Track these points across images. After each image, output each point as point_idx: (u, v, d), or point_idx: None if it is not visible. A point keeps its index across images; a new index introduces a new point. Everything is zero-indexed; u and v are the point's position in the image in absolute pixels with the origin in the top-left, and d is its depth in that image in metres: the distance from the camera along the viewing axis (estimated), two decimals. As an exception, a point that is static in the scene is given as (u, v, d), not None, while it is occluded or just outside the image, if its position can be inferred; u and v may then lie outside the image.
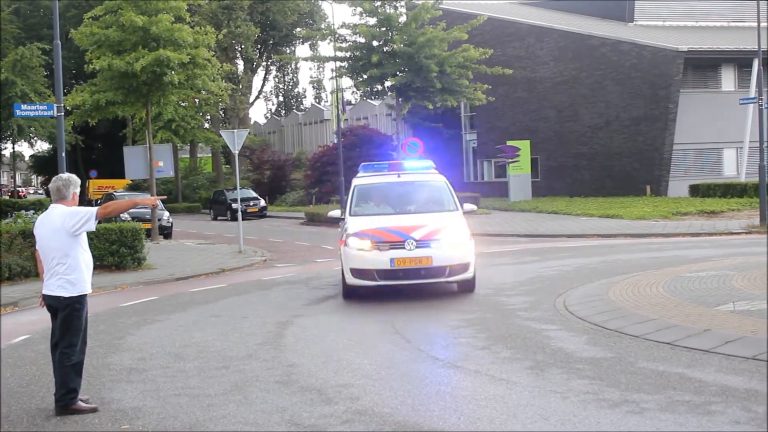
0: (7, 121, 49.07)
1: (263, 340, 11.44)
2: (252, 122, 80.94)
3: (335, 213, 17.62)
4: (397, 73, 38.00)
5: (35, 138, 59.71)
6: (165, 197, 10.31)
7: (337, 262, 17.20)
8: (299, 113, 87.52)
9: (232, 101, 55.91)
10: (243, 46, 63.64)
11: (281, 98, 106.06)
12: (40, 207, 39.12)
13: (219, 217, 48.00)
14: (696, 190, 38.58)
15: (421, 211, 15.34)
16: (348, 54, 39.43)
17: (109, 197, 38.33)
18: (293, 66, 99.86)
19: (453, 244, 14.14)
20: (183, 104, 48.29)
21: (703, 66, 42.09)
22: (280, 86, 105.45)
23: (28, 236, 18.63)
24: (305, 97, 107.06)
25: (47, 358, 8.57)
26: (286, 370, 9.52)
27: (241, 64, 66.86)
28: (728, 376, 8.33)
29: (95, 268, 8.84)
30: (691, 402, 7.51)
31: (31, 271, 18.67)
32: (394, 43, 37.76)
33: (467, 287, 14.73)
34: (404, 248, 13.92)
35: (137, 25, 28.00)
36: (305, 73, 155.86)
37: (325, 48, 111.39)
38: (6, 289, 17.43)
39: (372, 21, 38.99)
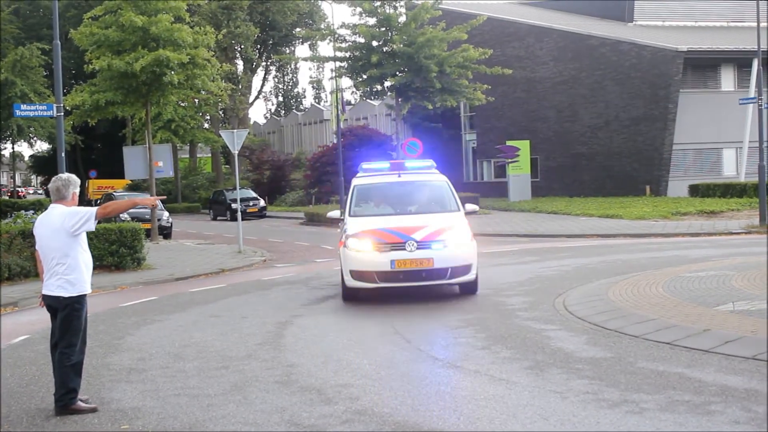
0: (7, 121, 49.08)
1: (263, 340, 11.44)
2: (251, 122, 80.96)
3: (334, 214, 17.25)
4: (397, 73, 38.00)
5: (35, 138, 59.74)
6: (164, 197, 10.31)
7: (336, 262, 17.14)
8: (299, 113, 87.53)
9: (231, 101, 55.90)
10: (242, 46, 63.63)
11: (281, 98, 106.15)
12: (39, 207, 39.09)
13: (218, 217, 48.00)
14: (695, 190, 38.60)
15: (422, 211, 15.09)
16: (347, 54, 39.43)
17: (109, 197, 38.33)
18: (293, 66, 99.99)
19: (455, 245, 13.90)
20: (182, 104, 48.29)
21: (703, 66, 42.10)
22: (280, 86, 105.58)
23: (27, 236, 18.63)
24: (305, 97, 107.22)
25: (47, 358, 8.58)
26: (285, 370, 9.52)
27: (240, 65, 66.87)
28: (728, 376, 8.33)
29: (95, 268, 8.83)
30: (690, 402, 7.51)
31: (31, 271, 18.67)
32: (393, 43, 37.76)
33: (469, 289, 14.50)
34: (405, 249, 13.68)
35: (137, 26, 28.00)
36: (305, 73, 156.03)
37: (325, 48, 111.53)
38: (6, 289, 17.42)
39: (371, 21, 38.99)
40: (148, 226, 28.77)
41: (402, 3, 41.38)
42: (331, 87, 51.88)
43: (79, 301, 8.18)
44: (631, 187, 41.84)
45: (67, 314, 8.12)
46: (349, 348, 10.71)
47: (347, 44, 39.21)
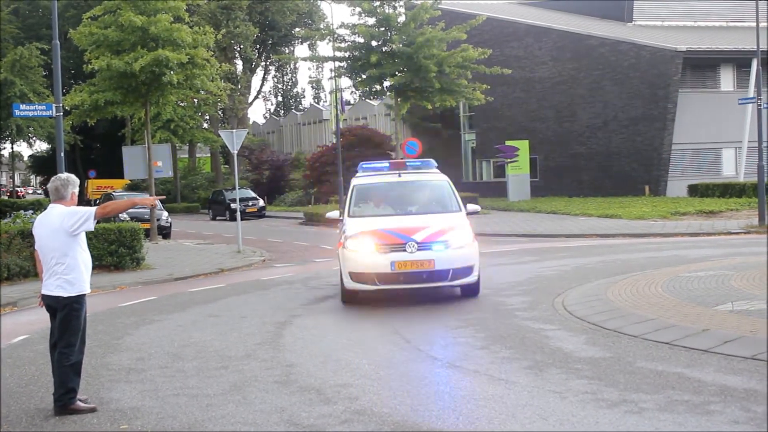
0: (6, 121, 49.09)
1: (262, 340, 11.43)
2: (251, 122, 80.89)
3: (333, 214, 16.71)
4: (396, 73, 37.95)
5: (34, 138, 59.79)
6: (164, 197, 10.31)
7: (335, 261, 17.05)
8: (298, 113, 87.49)
9: (230, 101, 55.90)
10: (242, 46, 63.62)
11: (280, 98, 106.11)
12: (38, 207, 39.06)
13: (218, 217, 48.00)
14: (695, 190, 38.61)
15: (422, 212, 14.81)
16: (347, 54, 39.38)
17: (108, 197, 38.32)
18: (292, 66, 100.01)
19: (456, 246, 13.64)
20: (182, 104, 48.29)
21: (702, 66, 42.11)
22: (279, 86, 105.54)
23: (26, 236, 18.62)
24: (304, 97, 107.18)
25: (46, 358, 8.58)
26: (284, 370, 9.52)
27: (239, 64, 66.85)
28: (727, 375, 8.33)
29: (94, 268, 8.83)
30: (689, 402, 7.51)
31: (30, 271, 18.67)
32: (392, 43, 37.72)
33: (471, 291, 14.23)
34: (405, 251, 13.42)
35: (136, 25, 28.01)
36: (304, 73, 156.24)
37: (324, 48, 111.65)
38: (5, 289, 17.42)
39: (371, 21, 38.94)
40: (147, 226, 28.77)
41: (401, 3, 41.34)
42: (330, 87, 51.90)
43: (78, 300, 8.18)
44: (630, 187, 41.86)
45: (66, 314, 8.12)
46: (348, 348, 10.71)
47: (346, 44, 39.17)
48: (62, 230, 8.07)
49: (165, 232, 32.60)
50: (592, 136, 45.30)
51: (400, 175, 15.62)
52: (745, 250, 19.50)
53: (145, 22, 28.15)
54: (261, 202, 47.93)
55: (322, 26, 61.59)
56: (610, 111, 44.06)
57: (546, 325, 11.54)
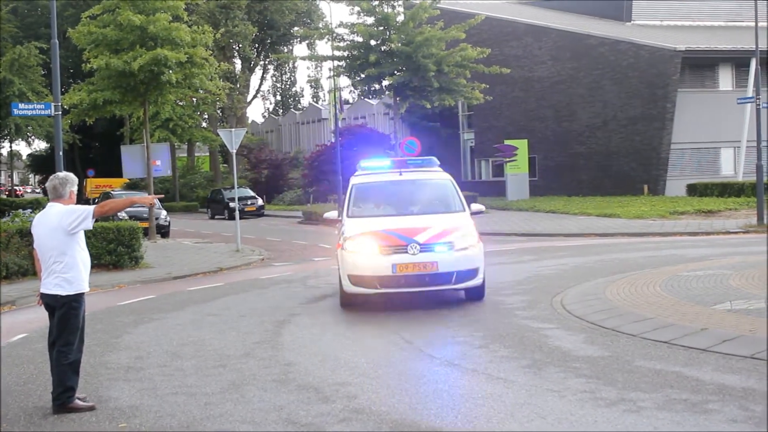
0: (5, 120, 49.06)
1: (260, 338, 11.44)
2: (249, 121, 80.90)
3: (331, 214, 15.90)
4: (395, 72, 37.99)
5: (33, 137, 59.76)
6: (162, 196, 10.31)
7: (334, 260, 16.91)
8: (297, 112, 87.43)
9: (229, 100, 55.89)
10: (240, 45, 63.63)
11: (279, 97, 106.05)
12: (37, 206, 39.05)
13: (216, 216, 47.98)
14: (693, 190, 38.63)
15: (424, 212, 14.24)
16: (345, 53, 39.40)
17: (107, 196, 38.29)
18: (291, 65, 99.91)
19: (460, 247, 13.06)
20: (180, 103, 48.31)
21: (701, 65, 42.12)
22: (278, 85, 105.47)
23: (25, 235, 18.61)
24: (303, 96, 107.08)
25: (45, 356, 8.57)
26: (283, 369, 9.52)
27: (238, 63, 66.85)
28: (725, 374, 8.33)
29: (93, 266, 8.83)
30: (688, 401, 7.51)
31: (29, 269, 18.66)
32: (391, 42, 37.74)
33: (476, 295, 13.67)
34: (407, 253, 12.82)
35: (135, 24, 28.00)
36: (303, 72, 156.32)
37: (323, 47, 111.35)
38: (4, 287, 17.41)
39: (370, 20, 38.98)
40: (145, 224, 28.73)
41: (400, 2, 41.42)
42: (329, 86, 51.86)
43: (77, 299, 8.18)
44: (629, 187, 41.87)
45: (65, 312, 8.12)
46: (346, 346, 10.71)
47: (345, 43, 39.20)
48: (61, 229, 8.07)
49: (164, 231, 32.59)
50: (591, 136, 45.31)
51: (401, 174, 15.07)
52: (743, 250, 19.51)
53: (144, 21, 28.14)
54: (260, 201, 47.91)
55: (320, 25, 61.63)
56: (609, 110, 44.08)
57: (545, 324, 11.54)
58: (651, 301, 12.17)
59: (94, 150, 75.82)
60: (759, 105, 27.16)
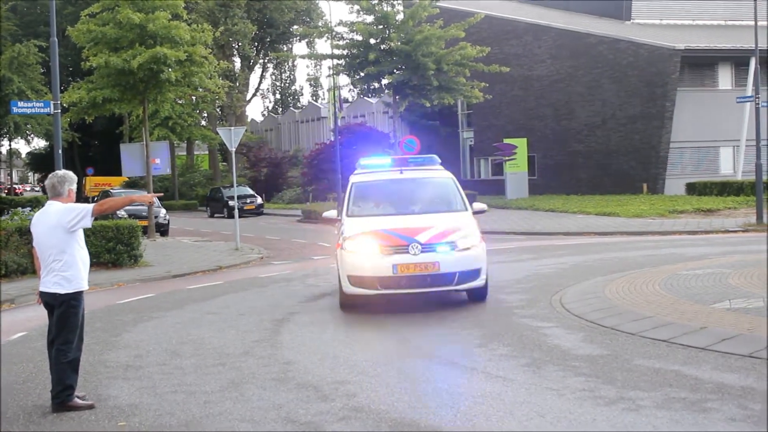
0: (4, 119, 48.99)
1: (260, 337, 11.44)
2: (249, 120, 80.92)
3: (331, 214, 15.25)
4: (394, 70, 38.00)
5: (32, 135, 59.58)
6: (162, 194, 10.31)
7: (333, 259, 16.80)
8: (296, 111, 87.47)
9: (229, 99, 55.91)
10: (240, 44, 63.64)
11: (278, 96, 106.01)
12: (36, 204, 39.06)
13: (216, 215, 47.98)
14: (693, 188, 38.62)
15: (426, 211, 13.92)
16: (345, 52, 39.43)
17: (106, 195, 38.30)
18: (290, 63, 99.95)
19: (462, 247, 12.77)
20: (180, 102, 48.29)
21: (700, 64, 42.12)
22: (277, 84, 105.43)
23: (24, 233, 18.60)
24: (302, 94, 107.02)
25: (44, 355, 8.57)
26: (282, 367, 9.52)
27: (238, 62, 66.85)
28: (724, 373, 8.33)
29: (92, 265, 8.83)
30: (687, 399, 7.52)
31: (28, 268, 18.66)
32: (391, 40, 37.77)
33: (478, 296, 13.41)
34: (408, 253, 12.53)
35: (134, 23, 28.00)
36: (302, 70, 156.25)
37: (322, 46, 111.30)
38: (3, 286, 17.41)
39: (369, 19, 39.01)
40: (145, 223, 28.73)
41: (399, 1, 41.47)
42: (328, 84, 51.92)
43: (76, 297, 8.18)
44: (628, 185, 41.87)
45: (64, 311, 8.12)
46: (345, 345, 10.71)
47: (345, 42, 39.22)
48: (60, 227, 8.07)
49: (163, 230, 32.59)
50: (591, 134, 45.31)
51: (401, 172, 14.75)
52: (742, 249, 19.52)
53: (143, 19, 28.14)
54: (259, 200, 47.92)
55: (320, 24, 61.64)
56: (608, 109, 44.07)
57: (544, 322, 11.54)
58: (650, 300, 12.17)
59: (93, 148, 75.79)
60: (758, 104, 27.16)
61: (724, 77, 42.91)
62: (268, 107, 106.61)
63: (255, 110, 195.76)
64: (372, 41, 38.38)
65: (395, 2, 41.39)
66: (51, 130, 32.34)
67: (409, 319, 12.31)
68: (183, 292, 16.73)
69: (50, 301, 8.19)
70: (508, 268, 17.98)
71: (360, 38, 38.55)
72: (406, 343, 10.74)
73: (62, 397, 8.03)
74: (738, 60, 41.50)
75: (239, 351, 10.53)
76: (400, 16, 38.84)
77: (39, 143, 77.73)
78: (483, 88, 38.93)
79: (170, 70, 28.62)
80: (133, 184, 52.53)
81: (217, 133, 39.10)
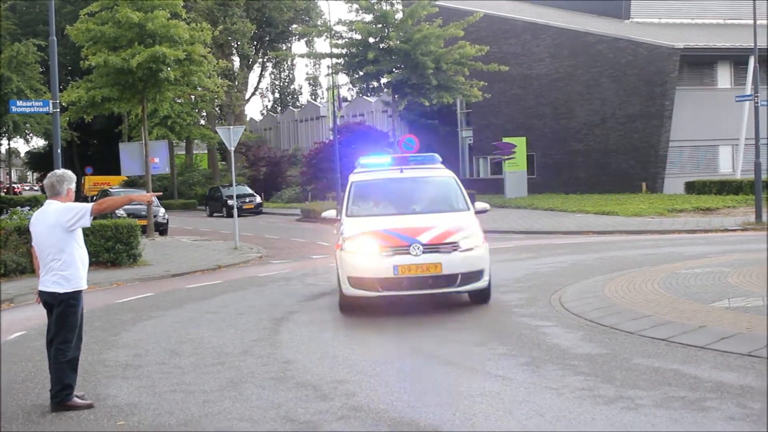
0: (3, 118, 48.99)
1: (259, 336, 11.44)
2: (248, 119, 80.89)
3: (330, 213, 14.78)
4: (393, 69, 38.01)
5: (31, 134, 59.61)
6: (161, 194, 10.30)
7: (332, 259, 16.61)
8: (295, 110, 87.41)
9: (228, 98, 55.87)
10: (239, 43, 63.60)
11: (277, 95, 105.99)
12: (35, 203, 39.07)
13: (215, 214, 47.96)
14: (692, 187, 38.63)
15: (427, 211, 13.66)
16: (344, 51, 39.44)
17: (105, 194, 38.29)
18: (289, 62, 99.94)
19: (465, 248, 12.47)
20: (179, 101, 48.26)
21: (699, 63, 42.13)
22: (276, 83, 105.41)
23: (23, 233, 18.60)
24: (301, 93, 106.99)
25: (43, 354, 8.57)
26: (281, 367, 9.52)
27: (237, 61, 66.82)
28: (723, 372, 8.34)
29: (91, 264, 8.84)
30: (686, 398, 7.52)
31: (27, 267, 18.64)
32: (390, 39, 37.78)
33: (481, 298, 13.12)
34: (409, 254, 12.23)
35: (133, 22, 27.99)
36: (301, 69, 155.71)
37: (322, 45, 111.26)
38: (2, 285, 17.40)
39: (368, 18, 39.04)
40: (144, 222, 28.67)
41: (398, 0, 41.42)
42: (327, 83, 51.91)
43: (75, 297, 8.18)
44: (627, 184, 41.87)
45: (63, 310, 8.12)
46: (344, 344, 10.71)
47: (344, 41, 39.23)
48: (58, 226, 8.07)
49: (162, 229, 32.57)
50: (590, 133, 45.31)
51: (402, 171, 14.42)
52: (741, 247, 19.52)
53: (142, 18, 28.13)
54: (258, 199, 47.92)
55: (319, 23, 61.63)
56: (607, 108, 44.08)
57: (543, 321, 11.54)
58: (649, 299, 12.18)
59: (92, 147, 75.78)
60: (757, 103, 27.16)
61: (723, 76, 42.93)
62: (267, 106, 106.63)
63: (254, 109, 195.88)
64: (371, 40, 38.39)
65: (394, 1, 41.51)
66: (50, 129, 32.35)
67: (408, 318, 12.30)
68: (182, 292, 16.73)
69: (49, 300, 8.19)
70: (507, 266, 17.97)
71: (359, 37, 38.57)
72: (405, 342, 10.73)
73: (61, 397, 8.03)
74: (737, 59, 41.52)
75: (238, 350, 10.53)
76: (399, 15, 38.88)
77: (38, 142, 77.79)
78: (482, 87, 38.94)
79: (169, 69, 28.60)
80: (132, 183, 52.53)
81: (216, 132, 39.09)
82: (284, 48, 71.17)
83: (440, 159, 15.09)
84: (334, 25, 39.45)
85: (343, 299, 12.97)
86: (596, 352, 9.49)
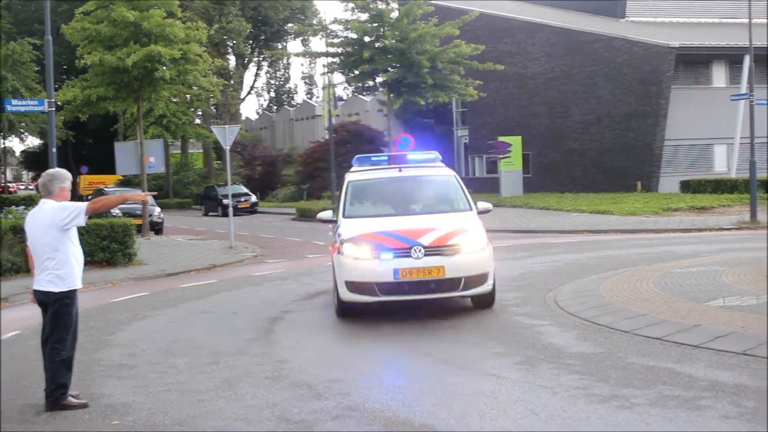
0: (-2, 117, 48.92)
1: (254, 335, 11.43)
2: (243, 118, 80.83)
3: (326, 214, 13.91)
4: (389, 68, 37.96)
5: (26, 133, 59.53)
6: (156, 193, 10.32)
7: (328, 257, 16.10)
8: (291, 109, 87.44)
9: (223, 97, 55.86)
10: (234, 42, 63.54)
11: (273, 94, 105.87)
12: (30, 203, 38.92)
13: (210, 213, 47.94)
14: (687, 186, 38.67)
15: (428, 211, 13.10)
16: (340, 50, 39.38)
17: (100, 193, 38.23)
18: (285, 62, 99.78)
19: (468, 251, 11.96)
20: (174, 100, 48.13)
21: (695, 62, 42.17)
22: (272, 82, 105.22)
23: (18, 232, 18.55)
24: (297, 92, 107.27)
25: (38, 353, 8.56)
26: (276, 366, 9.52)
27: (232, 60, 66.79)
28: (718, 371, 8.35)
29: (86, 263, 8.82)
30: (680, 397, 7.52)
31: (22, 266, 18.61)
32: (385, 38, 37.72)
33: (485, 302, 12.57)
34: (410, 257, 11.64)
35: (129, 21, 27.97)
36: (297, 68, 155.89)
37: (317, 44, 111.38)
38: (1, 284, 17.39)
39: (364, 17, 38.95)
40: (139, 221, 28.70)
41: (394, -1, 41.39)
42: (323, 83, 51.83)
43: (70, 296, 8.17)
44: (623, 183, 41.90)
45: (58, 309, 8.11)
46: (340, 343, 10.72)
47: (339, 40, 39.17)
48: (53, 225, 8.06)
49: (157, 228, 32.54)
50: (585, 132, 45.34)
51: (400, 170, 13.77)
52: (736, 246, 19.54)
53: (138, 17, 28.11)
54: (253, 198, 47.92)
55: (314, 22, 61.55)
56: (602, 107, 44.11)
57: (538, 320, 11.55)
58: (644, 298, 12.19)
59: (87, 146, 75.67)
60: (752, 102, 27.21)
61: (719, 75, 42.97)
62: (262, 105, 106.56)
63: (249, 108, 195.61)
64: (366, 39, 38.34)
65: (390, 0, 41.31)
66: (45, 128, 32.28)
67: (404, 318, 12.29)
68: (177, 291, 16.72)
69: (44, 299, 8.18)
70: (502, 265, 17.88)
71: (354, 36, 38.51)
72: (400, 341, 10.73)
73: (56, 396, 8.02)
74: (732, 58, 41.58)
75: (233, 349, 10.52)
76: (394, 14, 38.79)
77: (33, 141, 77.57)
78: (477, 86, 38.90)
79: (165, 68, 28.58)
80: (127, 182, 52.53)
81: (211, 132, 39.08)
82: (280, 47, 71.14)
83: (440, 157, 14.50)
84: (330, 24, 39.39)
85: (341, 304, 12.34)
86: (591, 351, 9.50)
